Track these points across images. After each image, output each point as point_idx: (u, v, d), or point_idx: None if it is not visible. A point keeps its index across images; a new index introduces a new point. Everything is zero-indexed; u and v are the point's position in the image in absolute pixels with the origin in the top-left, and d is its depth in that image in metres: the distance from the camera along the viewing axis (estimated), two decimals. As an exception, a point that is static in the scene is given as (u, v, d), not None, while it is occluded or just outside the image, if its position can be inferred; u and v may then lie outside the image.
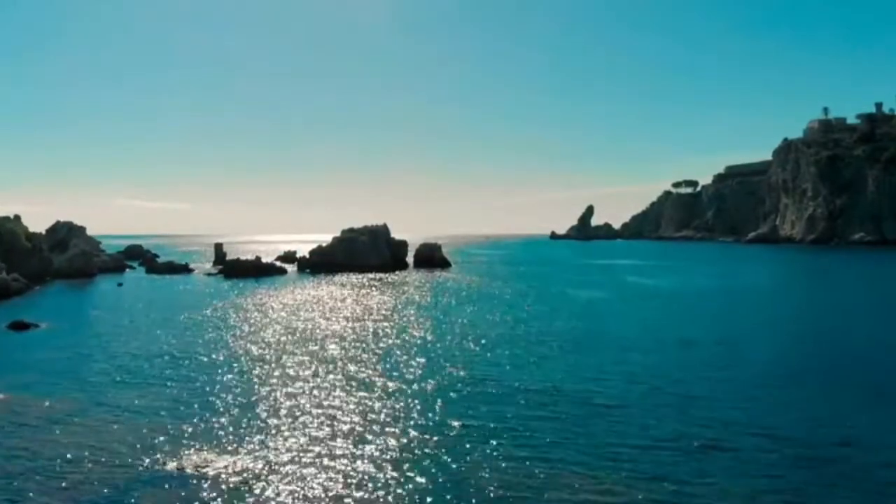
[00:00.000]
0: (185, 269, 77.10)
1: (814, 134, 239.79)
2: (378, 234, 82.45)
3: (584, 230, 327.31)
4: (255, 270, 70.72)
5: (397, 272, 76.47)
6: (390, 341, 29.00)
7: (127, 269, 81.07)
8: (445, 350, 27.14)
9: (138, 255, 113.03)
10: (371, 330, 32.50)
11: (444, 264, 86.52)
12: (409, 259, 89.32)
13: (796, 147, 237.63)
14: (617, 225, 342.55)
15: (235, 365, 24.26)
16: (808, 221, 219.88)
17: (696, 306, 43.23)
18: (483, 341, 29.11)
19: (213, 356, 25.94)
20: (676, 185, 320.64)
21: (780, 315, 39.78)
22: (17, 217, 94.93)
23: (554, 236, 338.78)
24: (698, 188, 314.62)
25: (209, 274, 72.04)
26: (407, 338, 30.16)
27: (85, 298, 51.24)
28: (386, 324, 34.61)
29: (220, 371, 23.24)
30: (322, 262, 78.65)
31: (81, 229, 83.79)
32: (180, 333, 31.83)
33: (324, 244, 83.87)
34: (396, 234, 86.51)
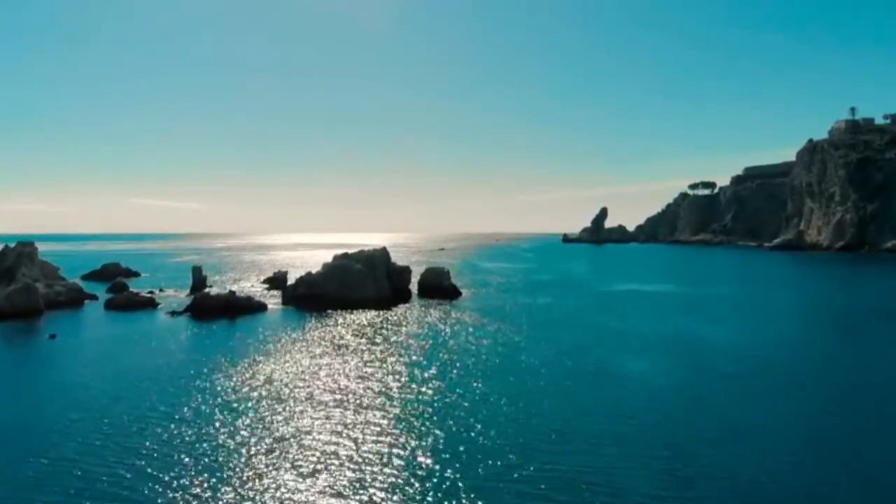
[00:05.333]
0: (149, 304, 65.84)
1: (840, 135, 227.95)
2: (376, 262, 71.00)
3: (598, 232, 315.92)
4: (228, 309, 59.39)
5: (398, 306, 65.14)
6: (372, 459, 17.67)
7: (86, 301, 69.87)
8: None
9: (113, 275, 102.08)
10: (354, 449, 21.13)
11: (452, 294, 75.04)
12: (413, 285, 77.96)
13: (822, 148, 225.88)
14: (631, 227, 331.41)
15: None
16: (837, 227, 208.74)
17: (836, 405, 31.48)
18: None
19: None
20: (693, 186, 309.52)
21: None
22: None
23: (566, 239, 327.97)
24: (716, 190, 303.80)
25: (175, 313, 60.59)
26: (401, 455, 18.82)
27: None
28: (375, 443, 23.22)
29: None
30: (311, 295, 67.29)
31: (33, 253, 72.52)
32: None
33: (317, 270, 72.55)
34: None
